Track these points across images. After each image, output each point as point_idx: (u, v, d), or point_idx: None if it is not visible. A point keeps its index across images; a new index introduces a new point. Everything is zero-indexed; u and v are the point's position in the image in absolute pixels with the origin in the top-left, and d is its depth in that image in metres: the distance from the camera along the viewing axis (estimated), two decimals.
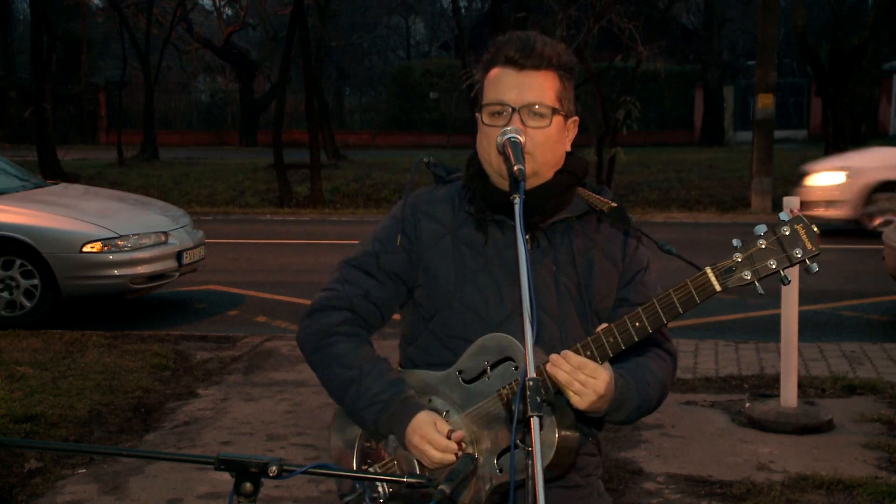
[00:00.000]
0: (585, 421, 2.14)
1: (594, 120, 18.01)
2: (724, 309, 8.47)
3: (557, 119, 2.11)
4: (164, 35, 27.37)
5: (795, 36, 16.60)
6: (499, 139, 2.05)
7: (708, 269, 1.90)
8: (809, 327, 7.40)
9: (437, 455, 2.03)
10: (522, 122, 2.07)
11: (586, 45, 15.53)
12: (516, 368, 2.03)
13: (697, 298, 1.90)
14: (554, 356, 1.97)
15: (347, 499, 2.21)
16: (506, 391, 2.03)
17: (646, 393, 2.14)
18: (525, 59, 2.09)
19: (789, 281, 1.89)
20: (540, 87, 2.09)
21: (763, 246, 1.87)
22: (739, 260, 1.88)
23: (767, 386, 6.05)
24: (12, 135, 31.79)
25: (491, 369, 2.06)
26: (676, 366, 2.29)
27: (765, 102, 16.07)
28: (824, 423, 5.30)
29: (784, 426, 5.26)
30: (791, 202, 5.26)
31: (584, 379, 1.95)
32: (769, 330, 7.24)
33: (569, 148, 2.19)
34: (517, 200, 1.91)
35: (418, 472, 2.08)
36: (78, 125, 34.65)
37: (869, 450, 4.99)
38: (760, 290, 1.90)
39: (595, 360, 1.98)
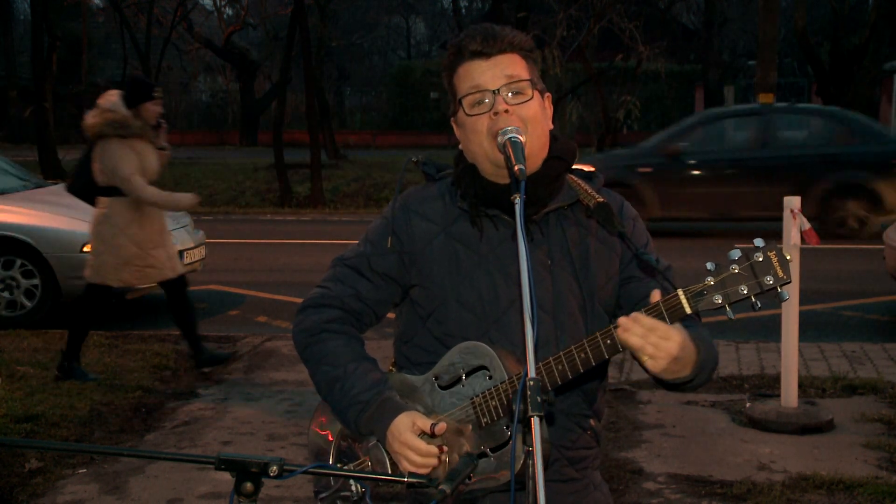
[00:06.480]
0: (671, 387, 2.09)
1: (594, 120, 18.02)
2: None
3: (535, 94, 2.12)
4: (164, 35, 27.37)
5: (796, 36, 16.60)
6: (499, 139, 2.05)
7: (680, 292, 1.90)
8: (810, 327, 7.39)
9: (418, 461, 2.04)
10: (506, 102, 2.08)
11: (587, 45, 15.56)
12: (490, 378, 2.03)
13: (668, 319, 1.90)
14: (622, 319, 1.90)
15: (322, 495, 2.21)
16: (479, 399, 2.03)
17: (714, 351, 2.10)
18: (490, 48, 2.10)
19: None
20: (511, 65, 2.11)
21: (735, 271, 1.86)
22: (711, 283, 1.87)
23: (768, 386, 6.05)
24: (13, 135, 31.82)
25: (466, 377, 2.07)
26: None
27: (765, 102, 16.06)
28: (825, 422, 5.30)
29: (784, 426, 5.26)
30: (791, 202, 5.25)
31: (657, 341, 1.89)
32: (769, 330, 7.24)
33: (550, 125, 2.20)
34: (518, 200, 1.91)
35: (390, 471, 2.08)
36: (78, 125, 34.53)
37: (869, 450, 4.99)
38: (731, 316, 1.90)
39: (577, 370, 1.97)
